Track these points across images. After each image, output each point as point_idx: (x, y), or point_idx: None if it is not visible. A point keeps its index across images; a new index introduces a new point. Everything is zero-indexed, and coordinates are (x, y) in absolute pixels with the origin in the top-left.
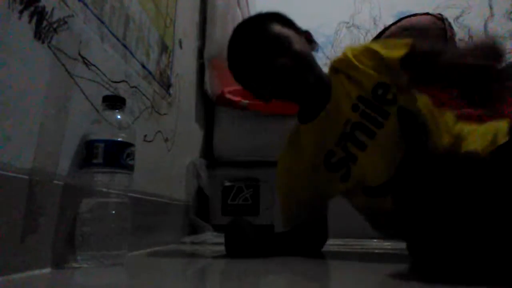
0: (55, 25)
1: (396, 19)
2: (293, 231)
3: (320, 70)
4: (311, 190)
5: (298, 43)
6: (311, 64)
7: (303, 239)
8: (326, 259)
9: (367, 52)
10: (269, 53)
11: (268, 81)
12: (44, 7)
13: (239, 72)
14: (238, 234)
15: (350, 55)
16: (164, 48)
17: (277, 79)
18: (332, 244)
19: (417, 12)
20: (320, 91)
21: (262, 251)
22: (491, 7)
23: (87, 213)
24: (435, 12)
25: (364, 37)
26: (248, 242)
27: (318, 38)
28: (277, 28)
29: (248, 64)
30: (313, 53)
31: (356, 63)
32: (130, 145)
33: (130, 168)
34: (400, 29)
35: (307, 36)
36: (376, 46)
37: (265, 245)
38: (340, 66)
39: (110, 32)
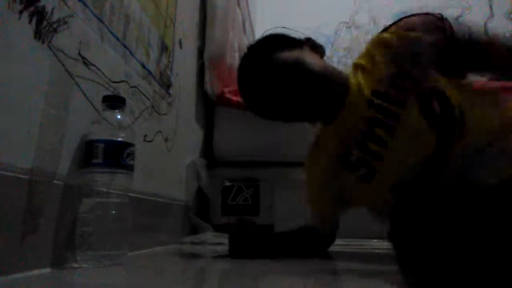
0: (55, 25)
1: (396, 19)
2: (298, 232)
3: (337, 74)
4: (335, 193)
5: (309, 61)
6: (330, 75)
7: (309, 240)
8: (327, 260)
9: (382, 43)
10: (288, 85)
11: (293, 110)
12: (44, 7)
13: (258, 107)
14: (242, 236)
15: (368, 47)
16: (164, 48)
17: (303, 106)
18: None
19: (417, 12)
20: (339, 94)
21: (266, 252)
22: (491, 7)
23: (87, 213)
24: (435, 12)
25: (364, 37)
26: (252, 244)
27: (318, 38)
28: (285, 55)
29: (269, 100)
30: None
31: (374, 53)
32: (130, 145)
33: (130, 168)
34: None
35: (311, 45)
36: (389, 35)
37: (269, 246)
38: (359, 61)
39: (110, 32)
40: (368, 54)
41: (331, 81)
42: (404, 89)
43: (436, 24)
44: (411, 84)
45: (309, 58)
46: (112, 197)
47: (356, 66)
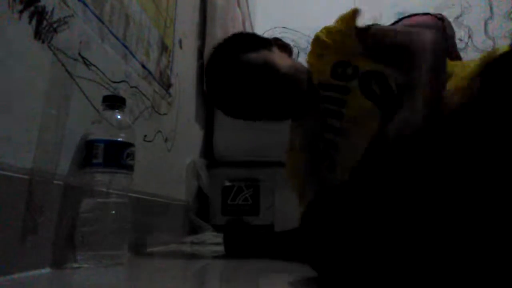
0: (55, 25)
1: (396, 19)
2: (296, 231)
3: (305, 73)
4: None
5: (278, 61)
6: (298, 75)
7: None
8: None
9: (318, 40)
10: (257, 86)
11: (262, 110)
12: (44, 7)
13: (227, 107)
14: (236, 234)
15: (312, 46)
16: (164, 48)
17: (272, 106)
18: None
19: (417, 12)
20: (303, 95)
21: (262, 251)
22: (491, 7)
23: (87, 213)
24: (435, 12)
25: None
26: (246, 242)
27: None
28: (253, 56)
29: (237, 101)
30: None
31: (315, 48)
32: (130, 145)
33: (130, 168)
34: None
35: (279, 44)
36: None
37: (265, 245)
38: (307, 58)
39: (110, 32)
40: (312, 50)
41: (300, 81)
42: (345, 76)
43: (436, 24)
44: (351, 70)
45: (278, 58)
46: (112, 197)
47: (307, 64)
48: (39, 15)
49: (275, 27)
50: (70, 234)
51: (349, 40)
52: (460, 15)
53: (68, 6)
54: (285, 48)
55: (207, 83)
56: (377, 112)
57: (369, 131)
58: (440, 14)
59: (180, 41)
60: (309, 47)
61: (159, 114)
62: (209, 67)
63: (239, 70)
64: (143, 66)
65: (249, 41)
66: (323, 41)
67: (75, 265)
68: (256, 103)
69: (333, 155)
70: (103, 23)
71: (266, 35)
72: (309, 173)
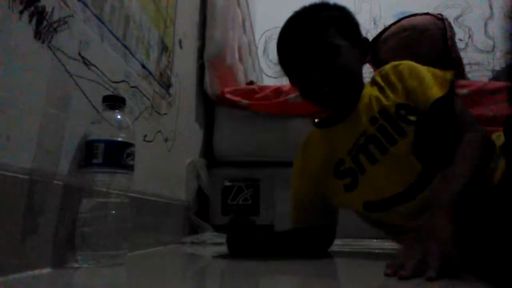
0: (55, 25)
1: (396, 19)
2: (297, 231)
3: (359, 84)
4: (318, 194)
5: (345, 57)
6: (350, 81)
7: (307, 240)
8: (326, 259)
9: (407, 73)
10: (310, 62)
11: (303, 86)
12: (44, 7)
13: (283, 63)
14: (240, 233)
15: (389, 70)
16: (164, 48)
17: (310, 89)
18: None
19: (417, 12)
20: (350, 102)
21: (264, 250)
22: (491, 7)
23: (87, 213)
24: (435, 12)
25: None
26: (250, 241)
27: None
28: (331, 34)
29: (289, 62)
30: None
31: (389, 74)
32: (130, 145)
33: (130, 168)
34: (400, 29)
35: (364, 46)
36: (415, 78)
37: (267, 244)
38: (376, 77)
39: (110, 32)
40: (385, 73)
41: (349, 87)
42: (407, 120)
43: (436, 24)
44: (414, 118)
45: (349, 56)
46: (112, 197)
47: (373, 81)
48: (39, 15)
49: (275, 27)
50: (70, 234)
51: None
52: (460, 15)
53: (68, 6)
54: (365, 53)
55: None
56: (416, 164)
57: (401, 175)
58: (440, 14)
59: (180, 41)
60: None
61: (159, 114)
62: (295, 15)
63: (307, 37)
64: (143, 66)
65: (344, 22)
66: (401, 72)
67: (75, 265)
68: (299, 75)
69: (357, 178)
70: (103, 23)
71: (265, 36)
72: (310, 199)
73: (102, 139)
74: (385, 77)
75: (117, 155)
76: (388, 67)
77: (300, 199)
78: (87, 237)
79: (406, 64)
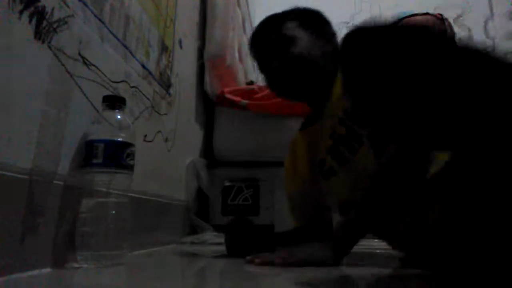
0: (55, 25)
1: (397, 19)
2: (296, 231)
3: (324, 77)
4: (313, 195)
5: (302, 47)
6: (309, 70)
7: (306, 240)
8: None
9: None
10: (268, 53)
11: (268, 78)
12: (44, 7)
13: (255, 61)
14: (239, 233)
15: None
16: (164, 48)
17: (274, 79)
18: None
19: (417, 12)
20: (318, 95)
21: (263, 251)
22: (491, 7)
23: (87, 213)
24: (435, 12)
25: None
26: (248, 242)
27: None
28: (290, 27)
29: (255, 57)
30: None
31: None
32: (130, 145)
33: (130, 168)
34: None
35: (330, 39)
36: None
37: (266, 245)
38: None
39: (110, 32)
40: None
41: (310, 75)
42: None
43: (436, 24)
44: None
45: (306, 46)
46: (112, 197)
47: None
48: (39, 15)
49: None
50: (70, 234)
51: None
52: (460, 15)
53: (68, 6)
54: (331, 47)
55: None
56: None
57: (360, 177)
58: (440, 14)
59: (180, 41)
60: None
61: (159, 114)
62: (266, 18)
63: (267, 31)
64: (143, 66)
65: (307, 16)
66: None
67: (75, 265)
68: (264, 68)
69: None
70: (103, 23)
71: None
72: (304, 198)
73: (102, 139)
74: None
75: (117, 155)
76: None
77: (297, 202)
78: (87, 237)
79: None
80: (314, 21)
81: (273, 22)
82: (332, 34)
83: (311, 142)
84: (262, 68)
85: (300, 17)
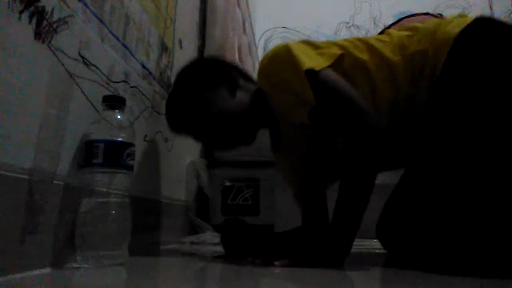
0: (55, 25)
1: (396, 19)
2: (294, 231)
3: (254, 107)
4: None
5: (214, 104)
6: (235, 115)
7: (306, 239)
8: None
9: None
10: (192, 123)
11: (207, 142)
12: (44, 7)
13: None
14: (234, 233)
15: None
16: (164, 48)
17: (211, 141)
18: None
19: (417, 12)
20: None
21: (261, 250)
22: (491, 7)
23: (87, 213)
24: (435, 12)
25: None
26: (243, 242)
27: (318, 38)
28: (194, 96)
29: (185, 129)
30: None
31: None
32: (130, 145)
33: (130, 168)
34: (400, 29)
35: (228, 80)
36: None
37: (263, 244)
38: None
39: (110, 32)
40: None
41: (238, 124)
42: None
43: None
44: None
45: (219, 101)
46: (112, 197)
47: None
48: (39, 15)
49: (275, 27)
50: (70, 234)
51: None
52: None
53: (68, 6)
54: (237, 82)
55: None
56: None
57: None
58: (440, 14)
59: (180, 41)
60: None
61: (159, 114)
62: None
63: (180, 113)
64: (143, 66)
65: (201, 76)
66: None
67: (75, 265)
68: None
69: None
70: (103, 23)
71: (265, 36)
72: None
73: (102, 139)
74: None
75: (117, 155)
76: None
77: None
78: (87, 237)
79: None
80: (205, 77)
81: (177, 106)
82: (227, 72)
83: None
84: (198, 139)
85: (198, 81)
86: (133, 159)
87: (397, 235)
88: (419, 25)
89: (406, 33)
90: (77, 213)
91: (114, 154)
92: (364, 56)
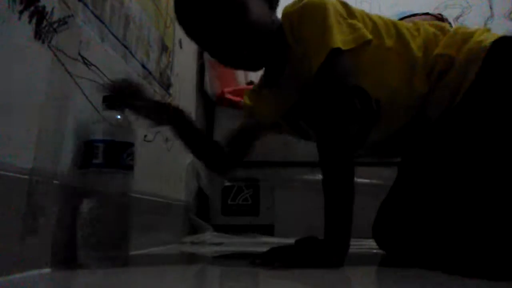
0: (55, 25)
1: (396, 19)
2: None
3: (276, 37)
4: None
5: (253, 12)
6: (265, 35)
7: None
8: None
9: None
10: (219, 23)
11: (219, 49)
12: (44, 7)
13: (189, 30)
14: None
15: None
16: (164, 48)
17: (227, 51)
18: None
19: (417, 12)
20: (278, 58)
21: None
22: (491, 7)
23: (87, 213)
24: (435, 12)
25: None
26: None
27: None
28: None
29: (198, 27)
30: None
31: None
32: (130, 145)
33: (130, 168)
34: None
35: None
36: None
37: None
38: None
39: (110, 32)
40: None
41: (265, 41)
42: None
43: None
44: None
45: (256, 11)
46: (112, 197)
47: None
48: (39, 15)
49: None
50: (70, 234)
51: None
52: (460, 15)
53: (68, 6)
54: (272, 2)
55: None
56: None
57: None
58: (440, 14)
59: (180, 41)
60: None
61: None
62: None
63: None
64: (143, 66)
65: None
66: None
67: (75, 265)
68: (212, 39)
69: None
70: (103, 23)
71: None
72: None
73: (102, 139)
74: None
75: (117, 155)
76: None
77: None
78: (87, 237)
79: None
80: None
81: None
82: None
83: (278, 99)
84: (210, 46)
85: None
86: (133, 159)
87: (394, 235)
88: (447, 27)
89: (433, 30)
90: (77, 213)
91: (114, 154)
92: (390, 42)
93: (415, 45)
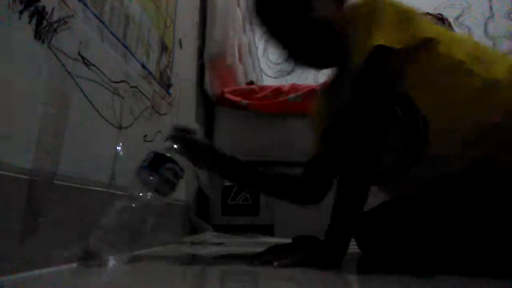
0: (55, 25)
1: None
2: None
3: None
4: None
5: (319, 8)
6: (328, 32)
7: (292, 189)
8: None
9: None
10: (285, 16)
11: (289, 47)
12: (44, 7)
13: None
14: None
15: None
16: (164, 48)
17: (289, 43)
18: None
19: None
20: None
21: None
22: (491, 7)
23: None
24: (435, 12)
25: None
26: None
27: None
28: None
29: (266, 24)
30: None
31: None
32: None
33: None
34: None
35: None
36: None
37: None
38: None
39: (110, 32)
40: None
41: (327, 40)
42: None
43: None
44: None
45: (323, 7)
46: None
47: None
48: (39, 15)
49: None
50: (70, 234)
51: None
52: (460, 15)
53: (68, 6)
54: None
55: None
56: None
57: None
58: (440, 14)
59: (180, 41)
60: None
61: (159, 114)
62: None
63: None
64: (143, 66)
65: None
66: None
67: (75, 265)
68: (277, 30)
69: None
70: (103, 23)
71: (265, 36)
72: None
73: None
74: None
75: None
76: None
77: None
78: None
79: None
80: None
81: None
82: None
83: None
84: (275, 35)
85: None
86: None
87: (376, 236)
88: None
89: None
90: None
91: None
92: (461, 55)
93: (501, 67)
